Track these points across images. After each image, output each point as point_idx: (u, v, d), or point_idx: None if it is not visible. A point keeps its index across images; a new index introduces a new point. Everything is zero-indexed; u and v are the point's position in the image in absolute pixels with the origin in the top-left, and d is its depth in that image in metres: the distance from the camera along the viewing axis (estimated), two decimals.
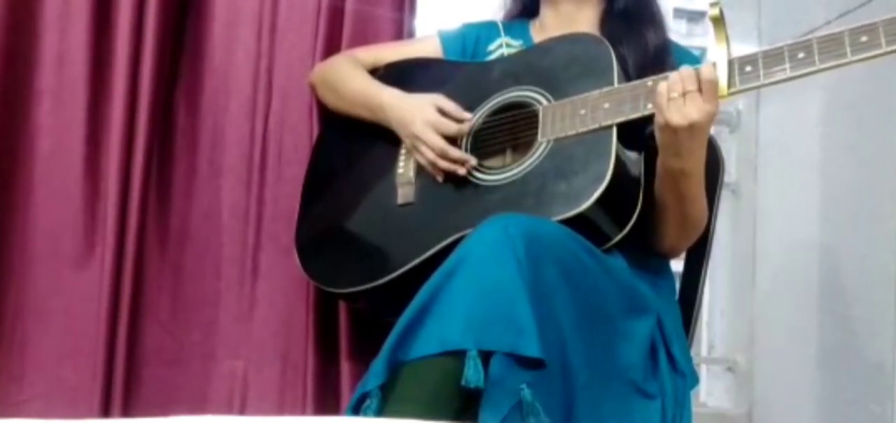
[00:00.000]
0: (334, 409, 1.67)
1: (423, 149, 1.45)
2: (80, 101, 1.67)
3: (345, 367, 1.68)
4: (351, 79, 1.62)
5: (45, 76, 1.68)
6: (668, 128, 1.29)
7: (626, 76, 1.42)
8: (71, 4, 1.69)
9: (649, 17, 1.55)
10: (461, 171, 1.43)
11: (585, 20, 1.58)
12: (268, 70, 1.77)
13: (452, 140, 1.46)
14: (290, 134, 1.76)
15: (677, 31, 1.66)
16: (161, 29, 1.71)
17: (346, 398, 1.65)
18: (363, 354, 1.64)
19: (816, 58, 1.22)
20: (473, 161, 1.43)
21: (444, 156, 1.44)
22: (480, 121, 1.49)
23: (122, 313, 1.65)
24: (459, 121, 1.46)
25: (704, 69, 1.27)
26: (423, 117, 1.45)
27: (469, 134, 1.48)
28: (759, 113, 2.31)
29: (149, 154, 1.70)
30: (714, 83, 1.27)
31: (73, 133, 1.67)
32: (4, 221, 1.65)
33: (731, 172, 2.31)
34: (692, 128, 1.28)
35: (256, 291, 1.74)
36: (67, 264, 1.65)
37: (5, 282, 1.65)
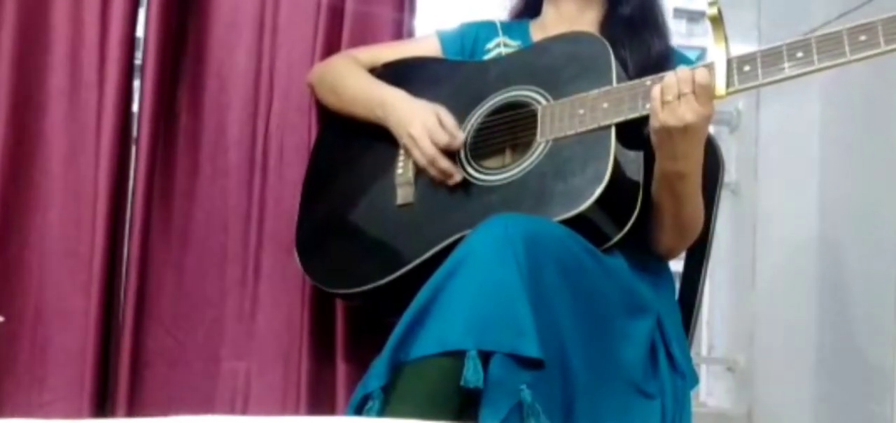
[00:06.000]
0: (330, 409, 1.67)
1: (416, 153, 1.46)
2: (91, 102, 1.68)
3: (341, 368, 1.68)
4: (350, 78, 1.62)
5: (57, 78, 1.69)
6: (664, 130, 1.29)
7: (627, 77, 1.42)
8: (80, 6, 1.69)
9: (653, 24, 1.55)
10: (448, 182, 1.44)
11: (587, 21, 1.58)
12: (269, 70, 1.78)
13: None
14: (292, 134, 1.76)
15: (677, 32, 1.66)
16: (163, 30, 1.71)
17: (342, 398, 1.66)
18: (360, 355, 1.64)
19: (815, 57, 1.21)
20: (459, 177, 1.44)
21: (433, 164, 1.45)
22: (479, 120, 1.49)
23: (124, 313, 1.65)
24: (454, 137, 1.45)
25: (698, 72, 1.27)
26: (421, 121, 1.46)
27: (467, 133, 1.48)
28: (759, 113, 2.31)
29: (151, 155, 1.70)
30: (707, 86, 1.27)
31: (86, 135, 1.68)
32: (22, 223, 1.66)
33: (731, 172, 2.32)
34: (686, 130, 1.28)
35: (258, 291, 1.74)
36: (84, 265, 1.66)
37: (25, 284, 1.65)
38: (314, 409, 1.67)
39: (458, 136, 1.45)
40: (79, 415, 1.59)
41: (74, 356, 1.64)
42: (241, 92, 1.77)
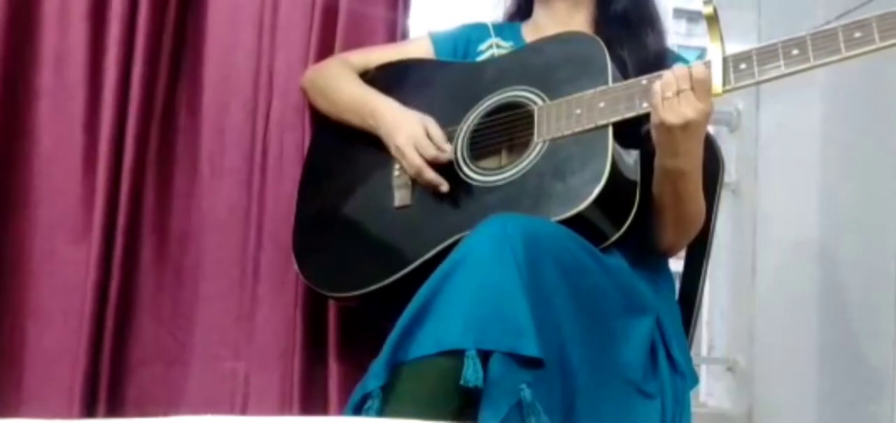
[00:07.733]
0: (321, 409, 1.66)
1: (404, 163, 1.47)
2: (79, 100, 1.68)
3: (333, 368, 1.68)
4: (342, 85, 1.62)
5: (44, 76, 1.68)
6: (664, 127, 1.29)
7: (624, 77, 1.42)
8: (69, 3, 1.69)
9: (648, 21, 1.55)
10: (440, 189, 1.44)
11: (579, 21, 1.58)
12: (268, 70, 1.77)
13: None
14: (291, 134, 1.76)
15: (677, 32, 1.66)
16: (159, 29, 1.71)
17: (335, 398, 1.66)
18: (352, 355, 1.64)
19: (810, 54, 1.22)
20: (445, 187, 1.44)
21: (419, 176, 1.45)
22: (475, 121, 1.49)
23: (121, 312, 1.65)
24: (441, 150, 1.45)
25: (695, 68, 1.28)
26: (408, 132, 1.46)
27: (464, 135, 1.48)
28: (759, 112, 2.32)
29: (150, 154, 1.70)
30: (705, 82, 1.27)
31: (73, 133, 1.67)
32: (3, 222, 1.65)
33: (731, 171, 2.32)
34: (687, 126, 1.28)
35: (257, 291, 1.73)
36: (67, 265, 1.65)
37: (4, 283, 1.64)
38: (305, 409, 1.66)
39: (446, 149, 1.45)
40: (68, 415, 1.58)
41: (57, 355, 1.63)
42: (240, 91, 1.77)
